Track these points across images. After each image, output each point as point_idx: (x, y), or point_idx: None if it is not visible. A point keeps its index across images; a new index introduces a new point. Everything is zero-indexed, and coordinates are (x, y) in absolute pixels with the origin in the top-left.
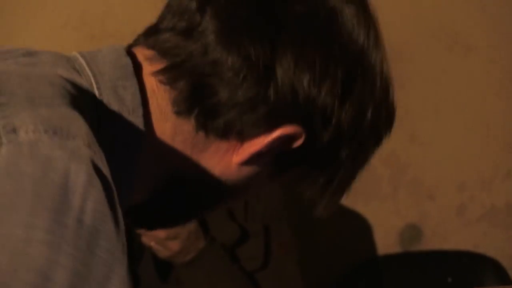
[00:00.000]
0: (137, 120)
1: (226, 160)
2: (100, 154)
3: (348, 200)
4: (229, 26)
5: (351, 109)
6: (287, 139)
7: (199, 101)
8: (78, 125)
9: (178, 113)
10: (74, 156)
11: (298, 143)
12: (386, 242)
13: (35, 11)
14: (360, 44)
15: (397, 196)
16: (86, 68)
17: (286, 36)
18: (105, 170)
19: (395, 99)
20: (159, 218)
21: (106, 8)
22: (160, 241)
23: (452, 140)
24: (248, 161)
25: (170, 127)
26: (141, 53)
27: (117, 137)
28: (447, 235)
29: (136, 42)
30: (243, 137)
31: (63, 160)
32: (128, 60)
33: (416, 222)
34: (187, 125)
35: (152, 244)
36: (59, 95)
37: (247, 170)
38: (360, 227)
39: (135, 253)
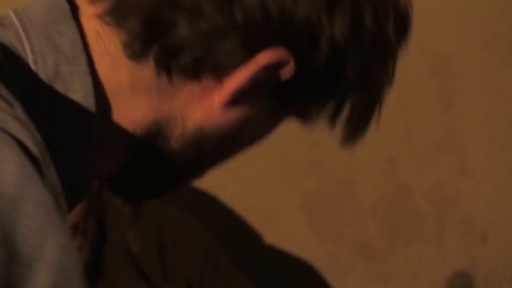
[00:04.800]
0: (80, 69)
1: (206, 104)
2: (13, 110)
3: (385, 243)
4: None
5: (343, 19)
6: (274, 67)
7: (155, 38)
8: None
9: (133, 57)
10: None
11: (289, 70)
12: None
13: None
14: None
15: (443, 238)
16: (14, 19)
17: None
18: (15, 128)
19: (408, 4)
20: (143, 186)
21: None
22: None
23: (509, 171)
24: (233, 100)
25: (126, 75)
26: None
27: (56, 93)
28: (503, 285)
29: None
30: (219, 73)
31: None
32: (63, 2)
33: (466, 269)
34: (146, 70)
35: None
36: None
37: (236, 112)
38: (399, 275)
39: None
